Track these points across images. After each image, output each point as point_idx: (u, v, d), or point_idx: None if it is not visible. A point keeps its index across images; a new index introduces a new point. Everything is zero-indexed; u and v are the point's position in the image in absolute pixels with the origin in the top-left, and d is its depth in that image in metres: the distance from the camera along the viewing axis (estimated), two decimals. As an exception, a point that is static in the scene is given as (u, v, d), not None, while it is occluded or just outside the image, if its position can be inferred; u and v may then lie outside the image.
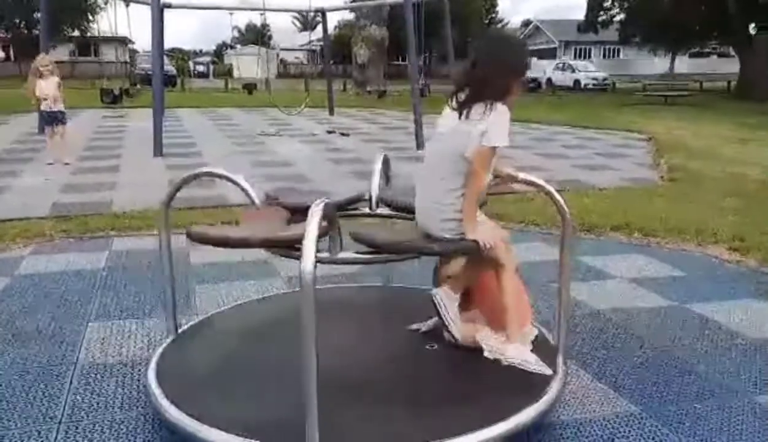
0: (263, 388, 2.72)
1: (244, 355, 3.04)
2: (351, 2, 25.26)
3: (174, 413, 2.49)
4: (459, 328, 2.95)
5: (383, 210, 3.29)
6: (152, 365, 2.89)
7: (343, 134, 14.05)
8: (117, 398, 2.92)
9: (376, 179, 3.29)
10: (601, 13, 38.00)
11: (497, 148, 2.55)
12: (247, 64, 32.69)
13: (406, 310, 3.45)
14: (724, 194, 7.65)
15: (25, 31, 43.78)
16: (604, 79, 36.98)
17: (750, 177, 9.03)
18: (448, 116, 2.65)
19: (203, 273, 4.70)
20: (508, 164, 2.94)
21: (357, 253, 2.63)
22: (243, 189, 2.98)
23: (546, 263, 4.78)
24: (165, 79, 13.94)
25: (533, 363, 2.77)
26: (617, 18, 37.77)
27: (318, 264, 2.19)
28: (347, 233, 2.64)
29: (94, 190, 7.71)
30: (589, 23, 38.68)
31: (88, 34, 46.64)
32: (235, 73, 44.61)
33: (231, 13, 20.52)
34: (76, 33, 45.82)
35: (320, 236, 2.36)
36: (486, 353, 2.87)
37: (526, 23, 64.56)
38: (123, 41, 43.34)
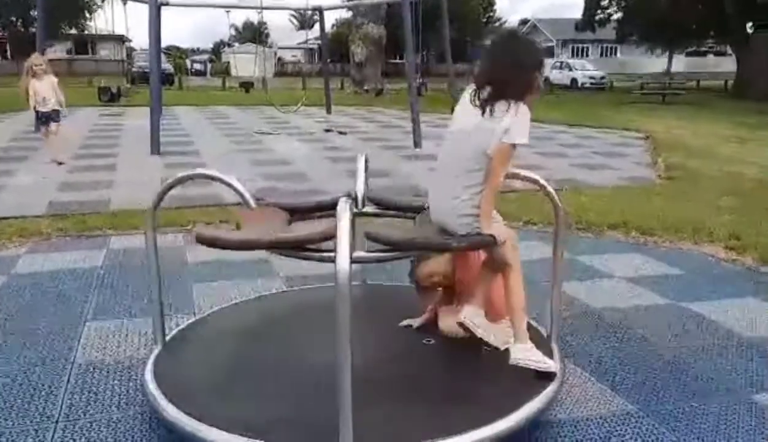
0: (262, 386, 2.72)
1: (243, 354, 3.04)
2: (348, 0, 25.25)
3: (172, 412, 2.49)
4: (498, 337, 2.92)
5: (370, 208, 3.28)
6: (150, 363, 2.89)
7: (340, 133, 14.05)
8: (114, 397, 2.92)
9: (360, 178, 3.28)
10: (599, 11, 38.04)
11: (517, 146, 2.57)
12: (245, 63, 32.62)
13: (395, 307, 3.49)
14: (721, 193, 7.67)
15: (22, 29, 43.70)
16: (602, 77, 36.99)
17: (747, 176, 9.05)
18: (468, 113, 2.62)
19: (201, 271, 4.70)
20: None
21: (370, 251, 2.63)
22: (236, 190, 2.95)
23: (544, 261, 4.78)
24: (162, 77, 13.90)
25: (540, 362, 2.74)
26: (614, 17, 37.80)
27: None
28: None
29: (91, 188, 7.69)
30: (587, 22, 38.71)
31: (85, 32, 46.64)
32: (233, 72, 44.55)
33: (228, 11, 20.48)
34: (73, 31, 45.79)
35: (329, 238, 2.37)
36: (479, 332, 2.86)
37: (524, 22, 64.56)
38: (120, 39, 43.45)
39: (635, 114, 18.92)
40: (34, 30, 30.21)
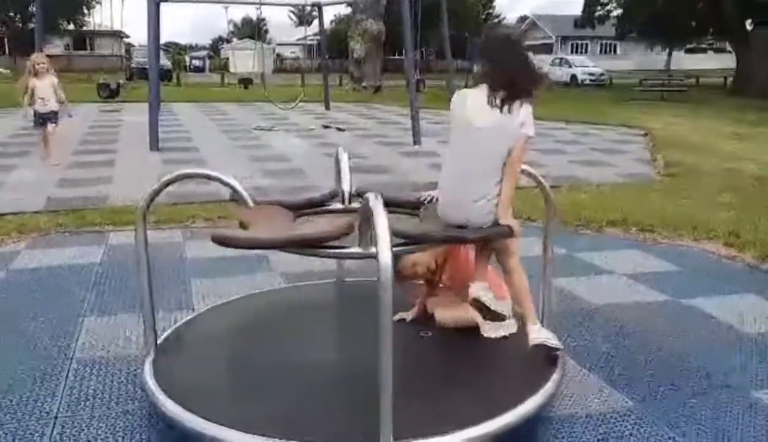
0: (261, 382, 2.72)
1: (242, 350, 3.04)
2: (347, -4, 25.19)
3: (172, 408, 2.49)
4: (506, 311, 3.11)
5: (357, 204, 3.28)
6: (149, 359, 2.88)
7: (339, 129, 14.03)
8: (113, 393, 2.92)
9: (346, 175, 3.29)
10: (598, 8, 37.98)
11: (531, 138, 2.77)
12: (244, 59, 32.62)
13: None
14: (721, 190, 7.67)
15: (20, 25, 43.63)
16: (601, 74, 36.96)
17: (746, 173, 9.05)
18: (484, 113, 2.72)
19: (199, 268, 4.69)
20: None
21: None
22: (235, 190, 2.92)
23: (534, 258, 4.79)
24: (160, 73, 13.86)
25: (552, 339, 2.88)
26: (614, 13, 37.76)
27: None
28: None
29: (89, 184, 7.68)
30: (586, 19, 38.65)
31: (84, 28, 46.54)
32: (231, 68, 44.53)
33: (226, 7, 20.47)
34: (72, 27, 45.70)
35: (347, 233, 2.40)
36: (493, 306, 3.01)
37: (523, 18, 64.54)
38: (118, 35, 43.33)
39: (634, 111, 18.92)
40: (32, 26, 30.19)
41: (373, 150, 11.09)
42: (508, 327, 3.17)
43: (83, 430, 2.63)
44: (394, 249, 2.55)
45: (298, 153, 10.53)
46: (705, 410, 2.84)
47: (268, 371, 2.81)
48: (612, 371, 3.18)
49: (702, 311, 3.99)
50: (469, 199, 2.74)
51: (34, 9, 22.52)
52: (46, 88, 8.87)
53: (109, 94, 21.58)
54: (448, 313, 3.15)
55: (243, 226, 2.68)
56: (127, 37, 48.99)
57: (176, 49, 61.72)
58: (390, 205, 3.22)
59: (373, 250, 2.44)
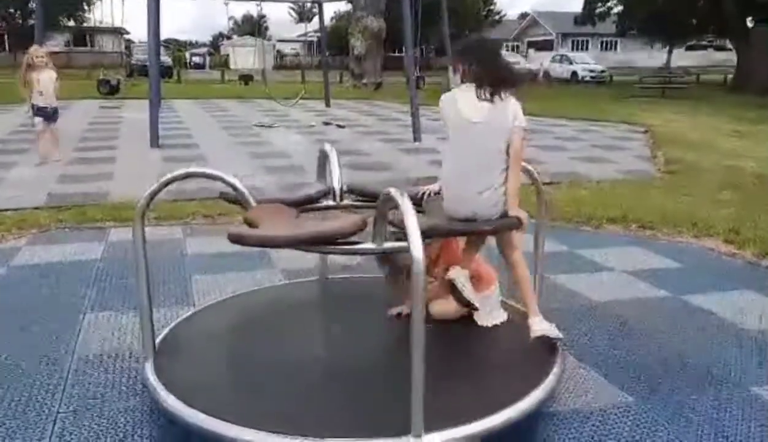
0: (263, 378, 2.73)
1: (242, 346, 3.05)
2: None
3: (173, 404, 2.49)
4: (482, 304, 3.22)
5: (349, 200, 3.30)
6: (150, 355, 2.89)
7: (339, 126, 14.03)
8: (114, 389, 2.93)
9: (336, 171, 3.30)
10: (599, 5, 37.93)
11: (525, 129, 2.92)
12: (244, 56, 32.58)
13: (374, 298, 3.56)
14: (721, 187, 7.68)
15: (20, 21, 43.58)
16: (602, 71, 36.92)
17: (746, 170, 9.05)
18: (476, 108, 2.85)
19: (200, 263, 4.70)
20: None
21: (400, 241, 2.64)
22: (236, 189, 2.90)
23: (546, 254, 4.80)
24: (161, 70, 13.88)
25: (552, 330, 2.96)
26: (615, 10, 37.70)
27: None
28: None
29: (90, 180, 7.69)
30: (587, 15, 38.60)
31: (84, 24, 46.49)
32: (232, 65, 44.46)
33: (226, 4, 20.39)
34: (72, 23, 45.65)
35: (362, 229, 2.42)
36: (465, 292, 3.10)
37: (524, 15, 64.46)
38: (119, 32, 43.29)
39: (635, 108, 18.90)
40: (32, 22, 30.17)
41: (374, 147, 11.09)
42: (499, 316, 3.30)
43: (84, 426, 2.63)
44: (405, 244, 2.61)
45: (299, 150, 10.53)
46: (705, 406, 2.85)
47: (268, 367, 2.81)
48: (612, 367, 3.19)
49: (702, 307, 4.00)
50: (474, 192, 2.83)
51: (34, 5, 22.49)
52: (44, 82, 8.68)
53: (109, 90, 21.57)
54: (442, 306, 3.22)
55: (250, 224, 2.66)
56: (128, 33, 48.96)
57: (176, 46, 61.64)
58: (371, 198, 3.24)
59: (387, 245, 2.50)
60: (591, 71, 36.82)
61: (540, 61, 40.25)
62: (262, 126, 13.92)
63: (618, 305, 4.01)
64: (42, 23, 14.31)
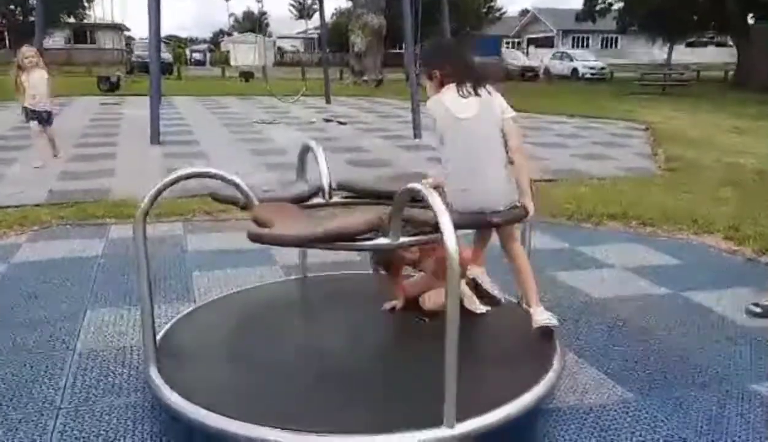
0: (264, 374, 2.73)
1: (245, 341, 3.06)
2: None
3: (175, 400, 2.50)
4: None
5: (338, 197, 3.31)
6: (152, 352, 2.89)
7: (340, 123, 14.03)
8: (116, 385, 2.94)
9: (324, 168, 3.30)
10: (599, 1, 37.89)
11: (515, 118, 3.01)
12: (244, 52, 32.56)
13: (362, 294, 3.62)
14: (721, 184, 7.68)
15: (21, 18, 43.52)
16: (602, 68, 36.89)
17: (746, 167, 9.05)
18: (464, 104, 2.90)
19: (200, 260, 4.71)
20: None
21: (414, 235, 2.67)
22: (240, 189, 2.89)
23: (543, 251, 4.81)
24: (161, 66, 13.87)
25: (552, 319, 3.02)
26: (615, 6, 37.66)
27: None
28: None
29: (91, 177, 7.70)
30: (587, 12, 38.57)
31: (84, 21, 46.48)
32: (232, 61, 44.46)
33: (227, 0, 20.41)
34: (72, 20, 45.62)
35: (380, 225, 2.46)
36: (486, 286, 3.23)
37: (524, 12, 64.35)
38: (119, 28, 43.36)
39: (635, 105, 18.89)
40: (33, 19, 30.11)
41: (374, 144, 11.10)
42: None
43: (86, 422, 2.64)
44: (418, 238, 2.66)
45: (299, 147, 10.52)
46: (704, 402, 2.85)
47: (270, 363, 2.82)
48: (611, 364, 3.19)
49: (702, 304, 4.01)
50: (484, 186, 2.87)
51: (35, 2, 22.47)
52: (35, 83, 8.19)
53: (110, 87, 21.58)
54: (434, 299, 3.26)
55: (261, 223, 2.66)
56: (128, 30, 48.99)
57: (177, 43, 61.52)
58: (367, 195, 3.25)
59: (402, 240, 2.53)
60: (591, 68, 36.78)
61: (540, 58, 40.24)
62: (263, 123, 13.92)
63: (618, 302, 4.02)
64: (42, 20, 14.32)
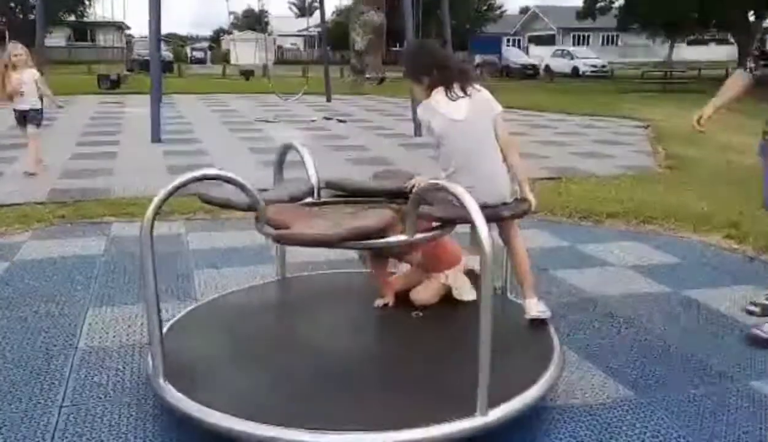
0: (265, 371, 2.74)
1: (246, 339, 3.06)
2: (349, -12, 25.05)
3: (177, 398, 2.50)
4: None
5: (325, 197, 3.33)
6: (154, 349, 2.89)
7: (340, 121, 14.04)
8: (117, 382, 2.94)
9: (311, 168, 3.33)
10: (600, -1, 37.84)
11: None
12: (245, 51, 32.52)
13: (350, 292, 3.67)
14: (721, 182, 7.68)
15: (21, 16, 43.49)
16: (603, 66, 36.86)
17: (746, 165, 9.03)
18: (455, 105, 2.99)
19: (202, 258, 4.72)
20: None
21: (427, 231, 2.75)
22: (247, 192, 2.87)
23: (542, 249, 4.82)
24: (162, 65, 13.89)
25: (546, 311, 3.15)
26: (616, 4, 37.60)
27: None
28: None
29: (92, 175, 7.70)
30: (588, 10, 38.51)
31: (85, 20, 46.45)
32: (233, 60, 44.37)
33: (227, -1, 20.35)
34: (72, 18, 45.59)
35: (396, 224, 2.55)
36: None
37: (525, 10, 64.28)
38: (119, 27, 43.34)
39: (636, 102, 18.89)
40: (33, 17, 30.11)
41: (374, 141, 11.10)
42: (473, 292, 3.38)
43: (88, 420, 2.65)
44: (432, 234, 2.77)
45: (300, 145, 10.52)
46: (705, 399, 2.86)
47: (273, 360, 2.83)
48: (611, 362, 3.20)
49: (702, 301, 4.01)
50: (485, 183, 2.93)
51: (35, 0, 22.46)
52: (25, 82, 7.64)
53: (110, 85, 21.59)
54: (424, 292, 3.35)
55: (277, 225, 2.67)
56: (128, 28, 48.94)
57: (177, 41, 61.50)
58: (356, 194, 3.27)
59: (418, 236, 2.64)
60: (592, 66, 36.78)
61: (541, 56, 40.20)
62: (263, 121, 13.92)
63: (618, 300, 4.02)
64: (42, 18, 14.33)
